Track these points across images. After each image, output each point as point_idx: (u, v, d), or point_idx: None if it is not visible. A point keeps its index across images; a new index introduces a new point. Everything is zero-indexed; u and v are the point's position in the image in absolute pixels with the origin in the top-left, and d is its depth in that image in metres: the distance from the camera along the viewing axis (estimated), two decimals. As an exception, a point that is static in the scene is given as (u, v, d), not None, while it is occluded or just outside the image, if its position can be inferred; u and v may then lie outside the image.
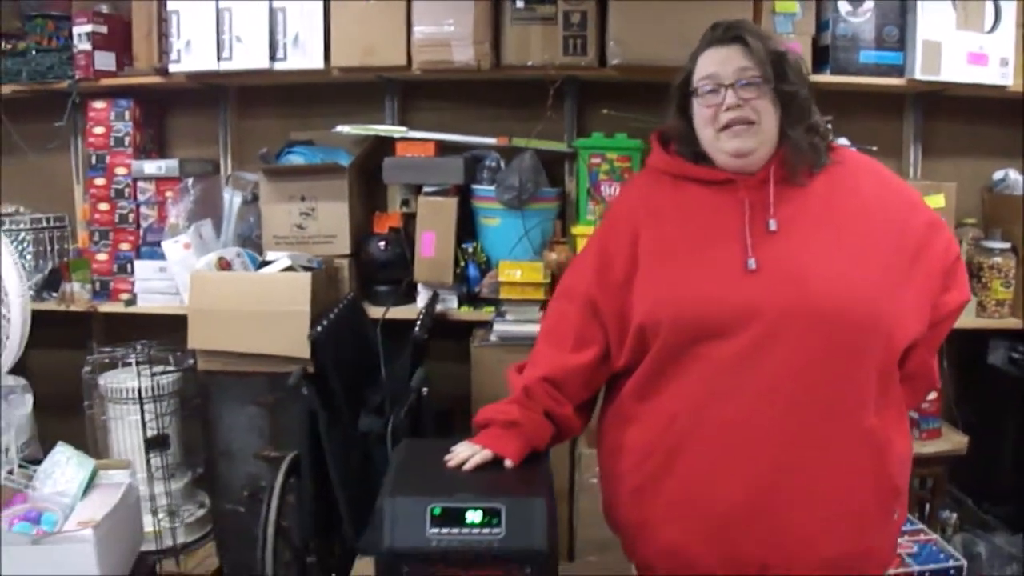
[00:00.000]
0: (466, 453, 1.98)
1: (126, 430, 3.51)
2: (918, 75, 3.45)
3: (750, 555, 1.82)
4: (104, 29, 3.59)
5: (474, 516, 1.81)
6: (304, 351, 3.10)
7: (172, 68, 3.53)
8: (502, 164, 3.59)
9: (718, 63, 1.88)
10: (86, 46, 3.56)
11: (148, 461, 3.40)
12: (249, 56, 3.46)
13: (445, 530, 1.80)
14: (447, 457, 2.00)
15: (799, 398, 1.77)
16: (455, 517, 1.81)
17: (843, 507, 1.81)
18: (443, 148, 3.59)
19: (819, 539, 1.81)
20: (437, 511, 1.81)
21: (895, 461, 1.87)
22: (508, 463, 1.96)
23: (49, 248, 3.85)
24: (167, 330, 3.62)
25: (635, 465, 1.93)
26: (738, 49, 1.87)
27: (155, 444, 3.44)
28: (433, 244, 3.45)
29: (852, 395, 1.80)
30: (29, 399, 3.49)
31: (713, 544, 1.84)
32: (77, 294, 3.71)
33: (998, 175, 3.81)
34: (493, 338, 3.37)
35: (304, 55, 3.46)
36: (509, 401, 2.04)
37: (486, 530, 1.80)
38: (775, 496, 1.79)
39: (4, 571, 2.49)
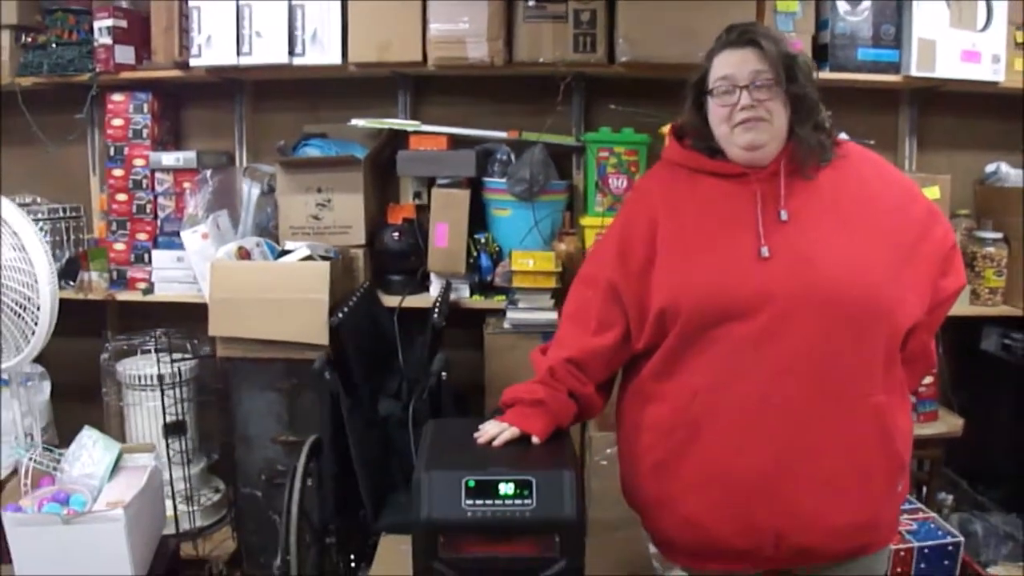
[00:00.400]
0: (495, 430, 2.07)
1: (143, 416, 3.57)
2: (913, 72, 3.55)
3: (766, 525, 1.92)
4: (124, 23, 3.64)
5: (506, 488, 1.90)
6: (322, 338, 3.17)
7: (193, 62, 3.58)
8: (513, 157, 3.67)
9: (734, 65, 1.97)
10: (106, 40, 3.62)
11: (167, 447, 3.45)
12: (268, 51, 3.52)
13: (479, 501, 1.89)
14: (476, 434, 2.09)
15: (812, 376, 1.87)
16: (488, 489, 1.90)
17: (853, 478, 1.91)
18: (455, 142, 3.65)
19: (831, 509, 1.90)
20: (472, 484, 1.90)
21: (900, 436, 1.97)
22: (535, 439, 2.05)
23: (66, 238, 3.90)
24: (180, 319, 3.71)
25: (657, 441, 2.02)
26: (752, 52, 1.96)
27: (173, 430, 3.49)
28: (446, 235, 3.53)
29: (861, 373, 1.90)
30: (47, 386, 3.59)
31: (731, 515, 1.94)
32: (95, 283, 3.76)
33: (990, 168, 3.92)
34: (506, 325, 3.45)
35: (322, 51, 3.52)
36: (535, 381, 2.13)
37: (518, 501, 1.89)
38: (790, 468, 1.89)
39: (37, 550, 2.55)
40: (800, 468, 1.89)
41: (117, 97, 3.76)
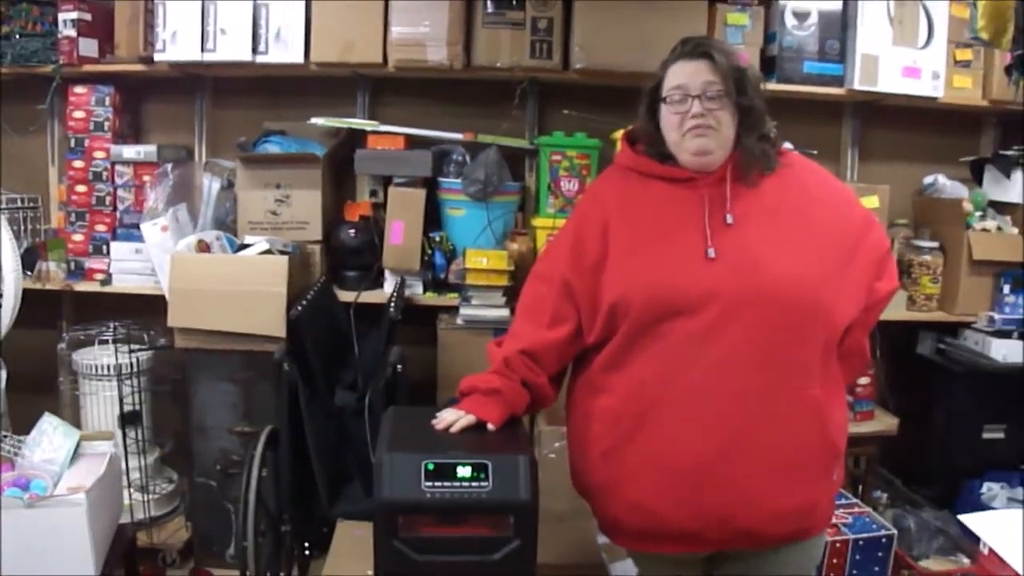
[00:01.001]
0: (452, 417, 2.15)
1: (99, 406, 3.61)
2: (856, 85, 3.70)
3: (710, 508, 2.00)
4: (88, 16, 3.66)
5: (464, 471, 1.97)
6: (280, 330, 3.23)
7: (157, 57, 3.62)
8: (468, 159, 3.75)
9: (687, 76, 2.06)
10: (70, 32, 3.64)
11: (124, 436, 3.47)
12: (232, 48, 3.57)
13: (438, 483, 1.96)
14: (434, 421, 2.16)
15: (753, 368, 1.97)
16: (447, 472, 1.97)
17: (792, 465, 2.01)
18: (412, 142, 3.70)
19: (771, 493, 2.00)
20: (431, 466, 1.97)
21: (835, 427, 2.07)
22: (490, 426, 2.13)
23: (23, 228, 3.89)
24: (137, 311, 3.76)
25: (606, 429, 2.10)
26: (705, 64, 2.05)
27: (130, 420, 3.52)
28: (402, 232, 3.60)
29: (799, 367, 2.00)
30: (2, 375, 3.57)
31: (676, 499, 2.02)
32: (52, 273, 3.77)
33: (928, 179, 4.07)
34: (460, 321, 3.54)
35: (285, 49, 3.58)
36: (491, 371, 2.21)
37: (475, 484, 1.97)
38: (732, 455, 1.98)
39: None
40: (742, 454, 1.98)
41: (79, 89, 3.78)
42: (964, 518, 2.08)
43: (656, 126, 2.14)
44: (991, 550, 1.90)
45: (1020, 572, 1.79)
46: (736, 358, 1.97)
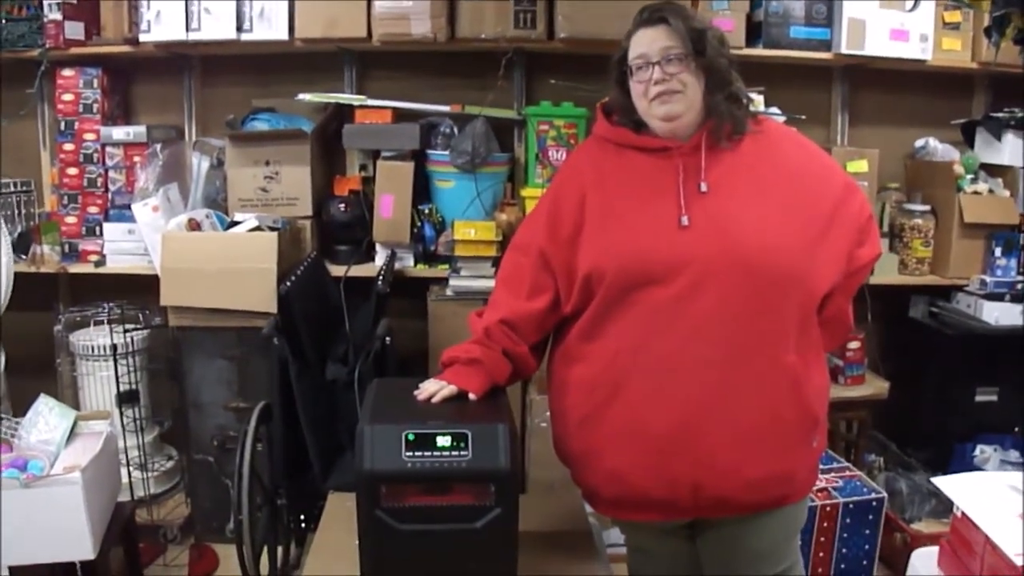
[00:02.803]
0: (434, 388, 2.17)
1: (97, 386, 3.64)
2: (844, 50, 3.69)
3: (684, 476, 2.02)
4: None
5: (444, 440, 1.99)
6: (271, 306, 3.24)
7: (142, 38, 3.62)
8: (455, 130, 3.76)
9: (647, 43, 2.06)
10: (56, 16, 3.64)
11: (121, 415, 3.50)
12: (217, 27, 3.57)
13: (418, 453, 1.98)
14: (416, 392, 2.18)
15: (726, 336, 1.98)
16: (427, 442, 1.99)
17: (766, 433, 2.02)
18: (400, 115, 3.71)
19: (745, 462, 2.01)
20: (411, 436, 1.99)
21: (813, 393, 2.07)
22: (472, 396, 2.15)
23: (17, 212, 3.91)
24: (131, 290, 3.77)
25: (582, 399, 2.12)
26: (663, 29, 2.05)
27: (127, 399, 3.54)
28: (391, 206, 3.62)
29: (773, 334, 2.00)
30: (1, 358, 3.61)
31: (651, 467, 2.04)
32: (47, 256, 3.79)
33: (919, 143, 4.07)
34: (449, 292, 3.56)
35: (270, 27, 3.58)
36: (471, 342, 2.23)
37: (455, 453, 1.98)
38: (705, 423, 1.99)
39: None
40: (715, 423, 1.99)
41: (67, 72, 3.79)
42: (938, 481, 2.08)
43: (627, 95, 2.13)
44: (963, 513, 1.90)
45: (990, 535, 1.80)
46: (708, 326, 1.97)
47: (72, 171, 3.84)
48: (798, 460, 2.11)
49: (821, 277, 2.06)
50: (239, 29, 3.60)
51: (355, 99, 3.75)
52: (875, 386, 3.79)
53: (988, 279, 3.74)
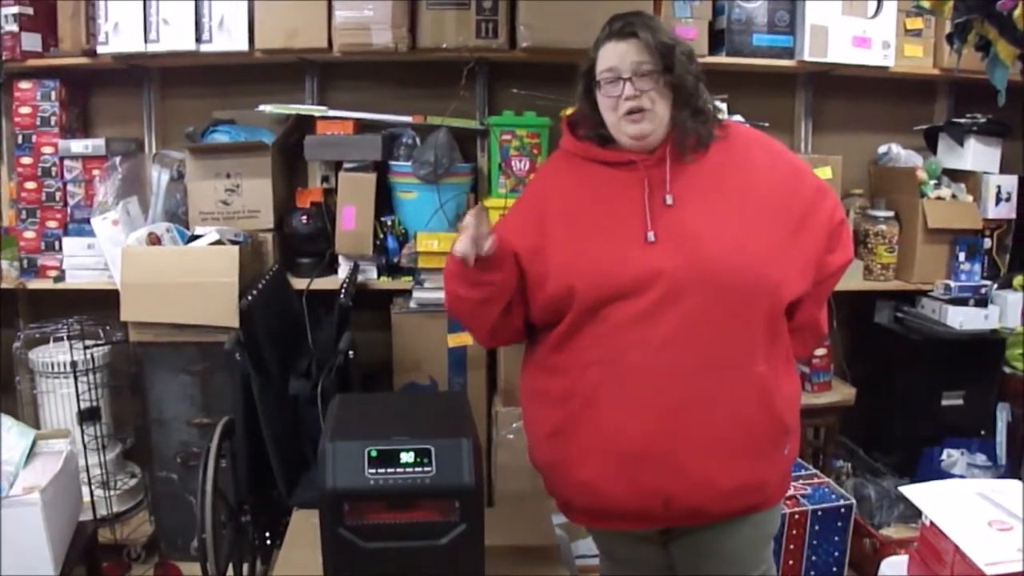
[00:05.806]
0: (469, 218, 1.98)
1: (58, 404, 3.58)
2: (807, 57, 3.71)
3: (655, 488, 2.01)
4: (30, 11, 3.62)
5: (407, 456, 1.98)
6: (233, 320, 3.21)
7: (100, 50, 3.58)
8: (418, 141, 3.74)
9: (617, 57, 2.05)
10: (12, 27, 3.59)
11: (83, 433, 3.45)
12: (176, 38, 3.53)
13: (382, 470, 1.97)
14: (461, 225, 1.99)
15: (696, 348, 1.97)
16: (390, 458, 1.98)
17: (737, 443, 2.01)
18: (361, 126, 3.70)
19: (717, 472, 2.00)
20: (374, 453, 1.98)
21: (783, 402, 2.07)
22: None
23: (-27, 228, 3.85)
24: (92, 306, 3.71)
25: (553, 410, 2.11)
26: (635, 43, 2.04)
27: (88, 416, 3.50)
28: (353, 218, 3.59)
29: (742, 345, 2.00)
30: (-40, 377, 3.55)
31: (623, 479, 2.02)
32: (5, 272, 3.74)
33: (882, 149, 4.09)
34: (412, 305, 3.53)
35: (229, 37, 3.55)
36: None
37: (418, 469, 1.98)
38: (676, 435, 1.98)
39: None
40: (686, 434, 1.98)
41: (24, 85, 3.73)
42: (905, 490, 2.08)
43: (594, 107, 2.12)
44: (931, 522, 1.90)
45: (959, 544, 1.79)
46: (677, 339, 1.96)
47: (30, 185, 3.78)
48: (770, 469, 2.11)
49: (789, 285, 2.05)
50: (198, 40, 3.56)
51: (316, 110, 3.72)
52: (842, 392, 3.80)
53: (952, 284, 3.76)
